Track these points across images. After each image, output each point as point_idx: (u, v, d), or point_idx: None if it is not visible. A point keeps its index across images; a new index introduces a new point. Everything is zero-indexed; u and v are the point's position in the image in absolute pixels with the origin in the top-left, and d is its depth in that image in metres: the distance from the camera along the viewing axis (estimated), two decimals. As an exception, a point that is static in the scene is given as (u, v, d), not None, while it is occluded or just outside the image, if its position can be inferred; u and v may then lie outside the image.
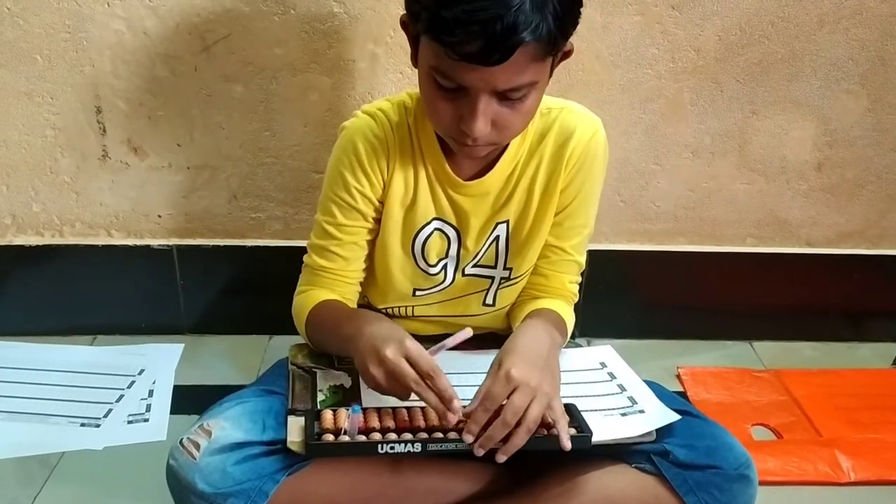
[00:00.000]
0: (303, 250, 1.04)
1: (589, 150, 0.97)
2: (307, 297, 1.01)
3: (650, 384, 1.00)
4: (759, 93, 1.29)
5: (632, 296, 1.42)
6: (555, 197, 0.98)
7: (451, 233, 0.99)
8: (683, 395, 1.28)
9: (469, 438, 0.81)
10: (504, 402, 0.81)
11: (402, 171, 0.96)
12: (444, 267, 1.01)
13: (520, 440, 0.80)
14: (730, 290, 1.42)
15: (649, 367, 1.27)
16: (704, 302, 1.42)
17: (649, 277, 1.41)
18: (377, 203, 0.98)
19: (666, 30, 1.24)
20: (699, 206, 1.38)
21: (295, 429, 0.86)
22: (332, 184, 0.98)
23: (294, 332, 1.03)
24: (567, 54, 0.86)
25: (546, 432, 0.84)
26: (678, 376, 1.33)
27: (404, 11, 0.86)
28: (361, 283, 1.04)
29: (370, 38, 1.22)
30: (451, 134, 0.88)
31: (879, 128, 1.33)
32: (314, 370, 0.99)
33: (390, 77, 1.25)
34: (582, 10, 0.83)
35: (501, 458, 0.81)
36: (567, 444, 0.82)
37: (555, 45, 0.80)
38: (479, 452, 0.81)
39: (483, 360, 1.03)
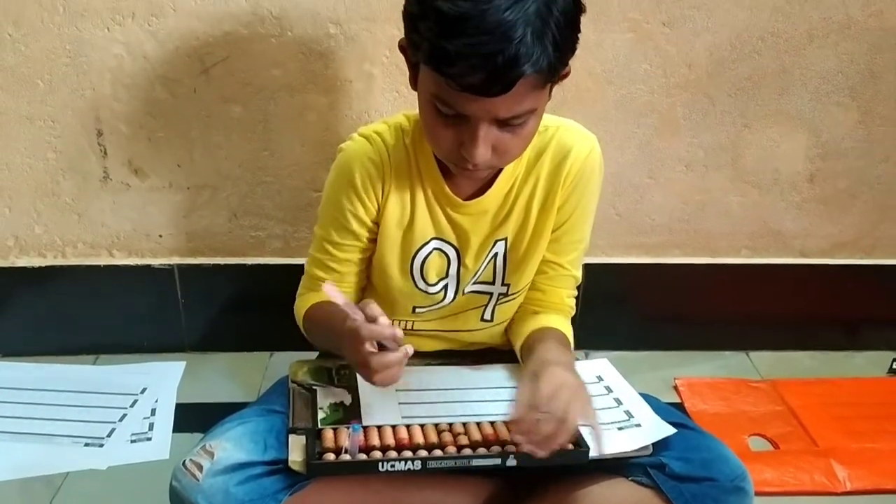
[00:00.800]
0: (303, 267, 1.05)
1: (585, 167, 0.98)
2: (305, 300, 1.03)
3: (646, 397, 1.01)
4: (750, 106, 1.31)
5: (628, 308, 1.43)
6: (552, 214, 0.99)
7: (451, 252, 1.00)
8: (680, 406, 1.28)
9: (521, 440, 0.81)
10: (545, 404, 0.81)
11: (399, 192, 0.97)
12: (445, 287, 1.02)
13: (563, 439, 0.81)
14: (725, 302, 1.43)
15: (646, 378, 1.28)
16: (700, 313, 1.43)
17: (645, 290, 1.42)
18: (371, 225, 0.99)
19: (658, 46, 1.26)
20: (693, 218, 1.39)
21: (296, 448, 0.87)
22: (328, 204, 0.99)
23: (295, 348, 1.05)
24: (564, 76, 0.86)
25: (571, 447, 0.85)
26: (675, 387, 1.34)
27: (402, 35, 0.86)
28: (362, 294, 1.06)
29: (366, 58, 1.24)
30: (451, 159, 0.88)
31: (870, 139, 1.35)
32: (314, 388, 1.00)
33: (387, 97, 1.26)
34: (579, 35, 0.83)
35: (541, 453, 0.81)
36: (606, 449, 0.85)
37: (555, 73, 0.81)
38: (541, 453, 0.81)
39: (487, 374, 1.05)
